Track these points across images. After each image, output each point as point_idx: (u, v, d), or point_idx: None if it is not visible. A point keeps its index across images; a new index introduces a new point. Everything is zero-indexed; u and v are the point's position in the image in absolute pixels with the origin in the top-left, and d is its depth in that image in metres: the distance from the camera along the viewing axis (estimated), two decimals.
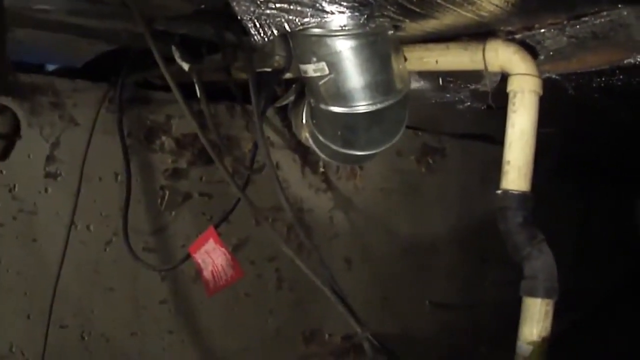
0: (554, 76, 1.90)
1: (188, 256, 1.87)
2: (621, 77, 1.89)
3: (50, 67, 2.19)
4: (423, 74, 2.05)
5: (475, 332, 3.25)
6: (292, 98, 2.21)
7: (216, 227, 1.79)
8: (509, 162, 1.63)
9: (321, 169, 2.62)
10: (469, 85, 2.06)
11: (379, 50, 1.60)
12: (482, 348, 3.17)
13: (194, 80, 1.73)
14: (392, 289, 2.90)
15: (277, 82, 2.10)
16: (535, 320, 1.59)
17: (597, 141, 3.18)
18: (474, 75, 1.95)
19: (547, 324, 1.60)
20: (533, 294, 1.60)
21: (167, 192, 2.22)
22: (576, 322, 3.50)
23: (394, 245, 2.92)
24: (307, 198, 2.60)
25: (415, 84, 2.09)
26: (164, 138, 2.21)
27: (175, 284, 2.25)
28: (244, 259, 2.36)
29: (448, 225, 3.16)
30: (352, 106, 1.67)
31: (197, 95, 1.83)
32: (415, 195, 3.01)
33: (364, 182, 2.79)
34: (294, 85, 2.16)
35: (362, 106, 1.66)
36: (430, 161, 3.05)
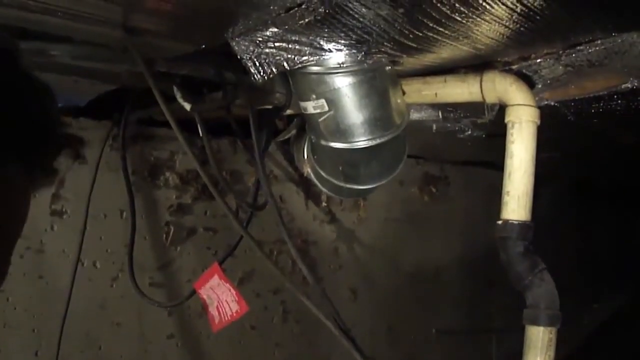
0: (552, 103, 1.91)
1: (193, 293, 1.88)
2: (619, 101, 1.89)
3: None
4: (423, 106, 2.06)
5: (483, 358, 3.24)
6: (293, 132, 2.22)
7: (220, 263, 1.80)
8: (508, 192, 1.64)
9: (324, 202, 2.63)
10: (468, 115, 2.07)
11: (377, 86, 1.62)
12: None
13: (196, 119, 1.75)
14: (398, 318, 2.90)
15: (277, 119, 2.12)
16: (539, 348, 1.59)
17: (599, 165, 3.18)
18: (474, 106, 1.97)
19: (551, 352, 1.60)
20: (535, 322, 1.60)
21: (172, 228, 2.24)
22: (579, 347, 3.48)
23: (399, 275, 2.92)
24: (312, 230, 2.60)
25: (415, 115, 2.10)
26: (168, 174, 2.22)
27: (182, 319, 2.26)
28: (249, 291, 2.36)
29: (453, 253, 3.16)
30: (352, 142, 1.69)
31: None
32: (419, 224, 3.01)
33: (367, 213, 2.80)
34: (295, 120, 2.18)
35: (361, 141, 1.68)
36: (433, 189, 3.05)
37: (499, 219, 1.64)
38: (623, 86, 1.73)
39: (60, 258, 2.03)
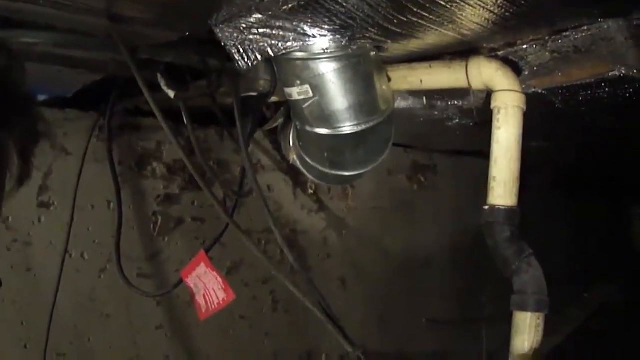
0: (540, 90, 1.91)
1: (180, 281, 1.87)
2: (607, 89, 1.89)
3: (41, 98, 2.19)
4: (409, 93, 2.06)
5: (473, 348, 3.24)
6: (281, 120, 2.22)
7: (207, 251, 1.80)
8: (494, 177, 1.64)
9: (312, 190, 2.63)
10: (455, 102, 2.07)
11: (362, 72, 1.62)
12: None
13: (181, 108, 1.75)
14: (388, 307, 2.90)
15: (263, 106, 2.11)
16: (527, 334, 1.60)
17: (588, 153, 3.18)
18: (460, 93, 1.97)
19: (539, 337, 1.60)
20: (523, 308, 1.60)
21: (160, 218, 2.23)
22: (570, 336, 3.48)
23: (389, 264, 2.92)
24: (300, 219, 2.60)
25: (402, 103, 2.10)
26: (155, 164, 2.21)
27: (171, 309, 2.25)
28: (238, 281, 2.36)
29: (442, 242, 3.16)
30: (336, 128, 1.69)
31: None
32: (408, 213, 3.01)
33: (355, 202, 2.79)
34: (282, 108, 2.17)
35: (346, 127, 1.68)
36: (422, 178, 3.05)
37: (486, 205, 1.65)
38: (610, 74, 1.73)
39: (48, 250, 2.02)
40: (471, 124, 2.31)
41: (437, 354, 3.08)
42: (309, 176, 2.16)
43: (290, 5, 1.30)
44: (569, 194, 3.85)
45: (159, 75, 1.72)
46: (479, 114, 2.08)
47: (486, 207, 1.65)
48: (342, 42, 1.49)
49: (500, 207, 1.63)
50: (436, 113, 2.22)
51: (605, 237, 4.21)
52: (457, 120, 2.32)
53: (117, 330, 2.15)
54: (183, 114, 1.75)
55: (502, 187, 1.63)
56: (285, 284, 1.64)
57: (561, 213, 3.81)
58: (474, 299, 3.27)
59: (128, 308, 2.17)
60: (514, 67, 1.72)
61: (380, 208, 2.89)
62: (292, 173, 2.53)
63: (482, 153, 2.19)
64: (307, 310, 1.64)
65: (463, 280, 3.22)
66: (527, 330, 1.60)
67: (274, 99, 1.90)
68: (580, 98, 1.98)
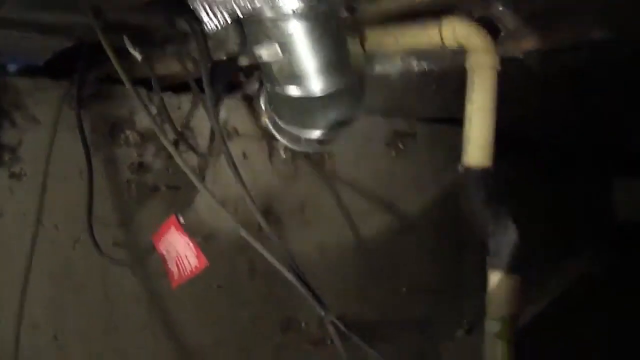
0: (516, 54, 1.89)
1: (153, 247, 1.85)
2: (586, 53, 1.88)
3: (12, 68, 2.17)
4: (386, 59, 2.04)
5: (454, 316, 3.24)
6: (256, 86, 2.20)
7: (177, 215, 1.77)
8: (469, 138, 1.63)
9: (289, 157, 2.61)
10: (432, 67, 2.05)
11: (332, 32, 1.59)
12: (458, 332, 3.16)
13: (148, 71, 1.72)
14: (368, 275, 2.89)
15: (233, 70, 2.09)
16: (502, 296, 1.59)
17: (568, 120, 3.17)
18: (437, 56, 1.95)
19: (516, 299, 1.60)
20: (498, 269, 1.60)
21: (134, 186, 2.21)
22: (548, 307, 3.49)
23: (368, 232, 2.91)
24: (276, 187, 2.58)
25: (379, 68, 2.08)
26: (128, 132, 2.19)
27: (147, 279, 2.23)
28: (214, 250, 2.34)
29: (423, 210, 3.14)
30: (307, 88, 1.67)
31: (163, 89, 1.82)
32: (387, 181, 2.99)
33: (333, 170, 2.77)
34: (255, 73, 2.15)
35: (316, 88, 1.66)
36: (401, 146, 3.03)
37: (461, 166, 1.64)
38: (590, 36, 1.71)
39: (20, 221, 2.00)
40: (451, 91, 2.29)
41: (418, 323, 3.08)
42: (281, 140, 2.14)
43: None
44: (548, 162, 3.84)
45: (125, 38, 1.70)
46: (457, 80, 2.07)
47: (461, 168, 1.64)
48: (311, 1, 1.46)
49: (476, 168, 1.62)
50: (414, 79, 2.20)
51: (586, 206, 4.20)
52: (435, 87, 2.30)
53: (92, 302, 2.14)
54: (151, 77, 1.73)
55: (477, 147, 1.62)
56: (262, 253, 1.63)
57: (540, 181, 3.80)
58: (455, 268, 3.26)
59: (103, 278, 2.15)
60: (490, 28, 1.70)
61: (359, 176, 2.87)
62: (268, 140, 2.51)
63: (462, 121, 2.20)
64: (285, 279, 1.64)
65: (444, 249, 3.21)
66: (503, 292, 1.60)
67: (245, 62, 1.88)
68: (559, 63, 1.97)
